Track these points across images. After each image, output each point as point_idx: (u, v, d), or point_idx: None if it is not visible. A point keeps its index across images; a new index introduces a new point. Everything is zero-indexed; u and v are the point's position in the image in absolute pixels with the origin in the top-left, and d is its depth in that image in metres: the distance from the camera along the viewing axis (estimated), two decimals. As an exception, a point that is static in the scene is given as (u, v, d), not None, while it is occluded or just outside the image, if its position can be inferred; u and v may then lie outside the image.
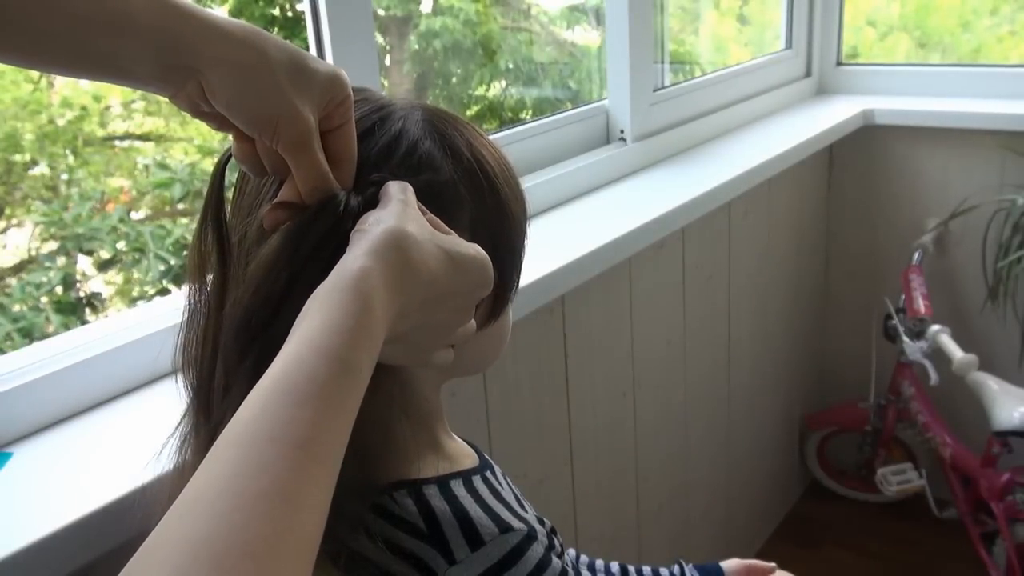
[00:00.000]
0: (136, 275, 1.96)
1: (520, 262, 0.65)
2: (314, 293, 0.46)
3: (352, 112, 0.55)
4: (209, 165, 2.08)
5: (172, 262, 1.89)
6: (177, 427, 0.61)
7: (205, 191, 0.58)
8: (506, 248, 0.62)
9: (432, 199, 0.55)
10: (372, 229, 0.48)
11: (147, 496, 0.70)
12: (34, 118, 1.92)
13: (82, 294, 1.96)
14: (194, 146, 2.14)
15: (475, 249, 0.53)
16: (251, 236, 0.56)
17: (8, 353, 0.86)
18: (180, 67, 0.48)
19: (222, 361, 0.54)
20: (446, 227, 0.54)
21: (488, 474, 0.64)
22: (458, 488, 0.59)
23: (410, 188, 0.53)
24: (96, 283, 2.02)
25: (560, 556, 0.65)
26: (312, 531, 0.38)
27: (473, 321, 0.57)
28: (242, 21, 0.51)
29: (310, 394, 0.41)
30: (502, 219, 0.62)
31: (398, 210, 0.50)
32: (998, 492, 1.80)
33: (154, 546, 0.36)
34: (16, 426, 0.80)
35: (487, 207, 0.60)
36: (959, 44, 2.51)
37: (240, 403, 0.51)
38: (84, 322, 1.85)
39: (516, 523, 0.58)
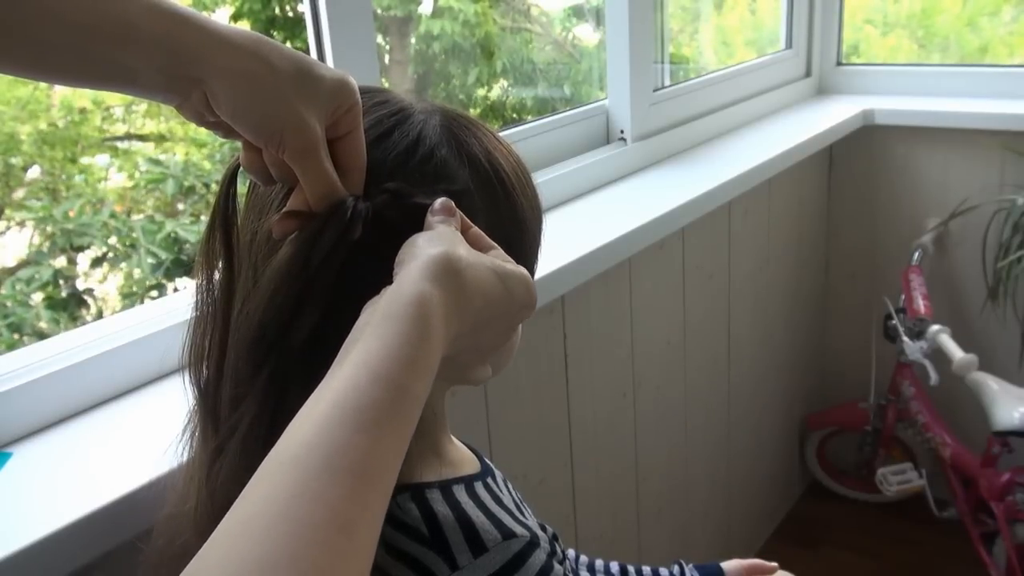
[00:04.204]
0: (127, 269, 1.96)
1: (533, 272, 0.65)
2: (368, 315, 0.45)
3: (360, 119, 0.54)
4: (202, 159, 2.08)
5: (163, 257, 1.89)
6: (184, 429, 0.61)
7: (212, 195, 0.58)
8: (519, 258, 0.61)
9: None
10: (424, 252, 0.48)
11: (149, 495, 0.70)
12: (33, 119, 1.92)
13: (77, 288, 1.96)
14: (193, 145, 2.14)
15: (519, 268, 0.53)
16: (261, 239, 0.56)
17: (8, 353, 0.86)
18: (185, 77, 0.48)
19: (233, 372, 0.54)
20: (489, 240, 0.54)
21: (490, 480, 0.64)
22: (460, 493, 0.59)
23: (455, 208, 0.53)
24: (87, 279, 2.02)
25: (562, 563, 0.65)
26: (366, 557, 0.38)
27: (516, 337, 0.58)
28: (247, 30, 0.51)
29: (368, 421, 0.40)
30: (516, 229, 0.61)
31: (448, 233, 0.50)
32: (998, 492, 1.80)
33: (208, 564, 0.36)
34: (16, 426, 0.80)
35: (502, 217, 0.60)
36: (965, 43, 2.51)
37: (254, 414, 0.52)
38: (75, 318, 1.85)
39: (519, 529, 0.58)
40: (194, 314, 0.59)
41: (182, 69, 0.48)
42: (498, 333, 0.53)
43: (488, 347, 0.54)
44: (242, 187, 0.59)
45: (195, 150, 2.11)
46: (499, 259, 0.53)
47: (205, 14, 0.50)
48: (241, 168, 0.56)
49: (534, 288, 0.54)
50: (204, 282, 0.58)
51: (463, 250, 0.49)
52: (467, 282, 0.48)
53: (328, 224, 0.51)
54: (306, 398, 0.45)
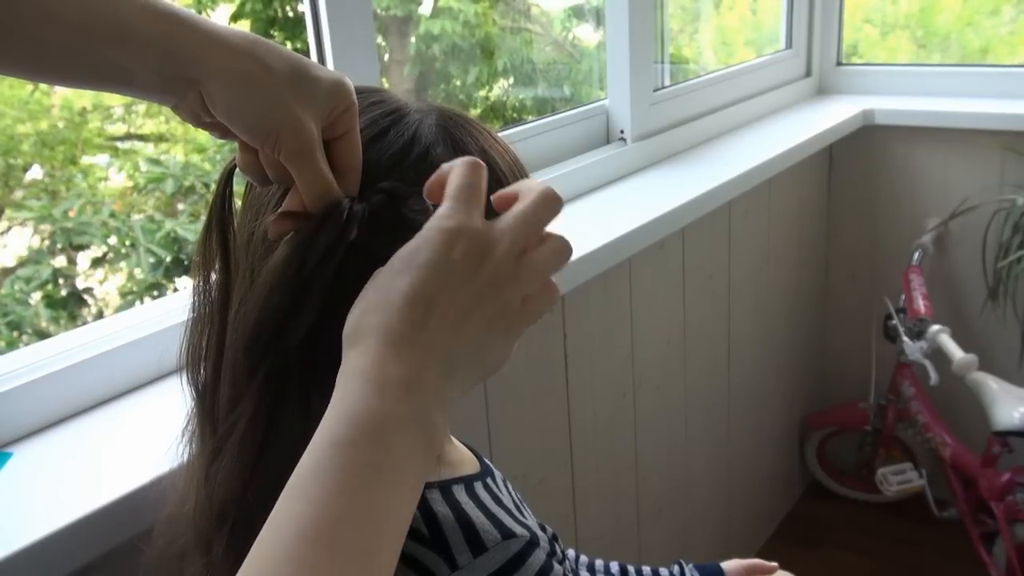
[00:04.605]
0: (127, 268, 1.96)
1: None
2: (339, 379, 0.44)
3: (357, 120, 0.54)
4: (202, 161, 2.09)
5: (162, 255, 1.89)
6: (184, 429, 0.61)
7: (211, 195, 0.58)
8: None
9: None
10: (346, 339, 0.46)
11: (149, 495, 0.70)
12: (34, 120, 1.92)
13: (76, 287, 1.97)
14: (192, 146, 2.15)
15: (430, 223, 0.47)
16: (258, 239, 0.56)
17: (8, 353, 0.86)
18: (180, 78, 0.48)
19: (230, 372, 0.54)
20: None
21: (489, 480, 0.64)
22: (460, 494, 0.59)
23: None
24: (86, 278, 2.02)
25: (561, 563, 0.65)
26: None
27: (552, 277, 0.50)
28: (244, 31, 0.51)
29: (314, 488, 0.41)
30: None
31: (364, 298, 0.47)
32: (998, 492, 1.80)
33: None
34: (16, 426, 0.80)
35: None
36: (966, 43, 2.51)
37: (251, 415, 0.51)
38: (74, 317, 1.86)
39: (519, 529, 0.58)
40: (191, 315, 0.59)
41: (178, 70, 0.48)
42: (479, 293, 0.46)
43: (495, 304, 0.47)
44: (240, 187, 0.59)
45: (196, 154, 2.11)
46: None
47: (202, 15, 0.50)
48: (237, 168, 0.56)
49: (448, 223, 0.46)
50: (201, 283, 0.58)
51: (372, 293, 0.46)
52: (393, 313, 0.45)
53: (324, 225, 0.51)
54: (302, 399, 0.45)
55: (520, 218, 0.48)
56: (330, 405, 0.43)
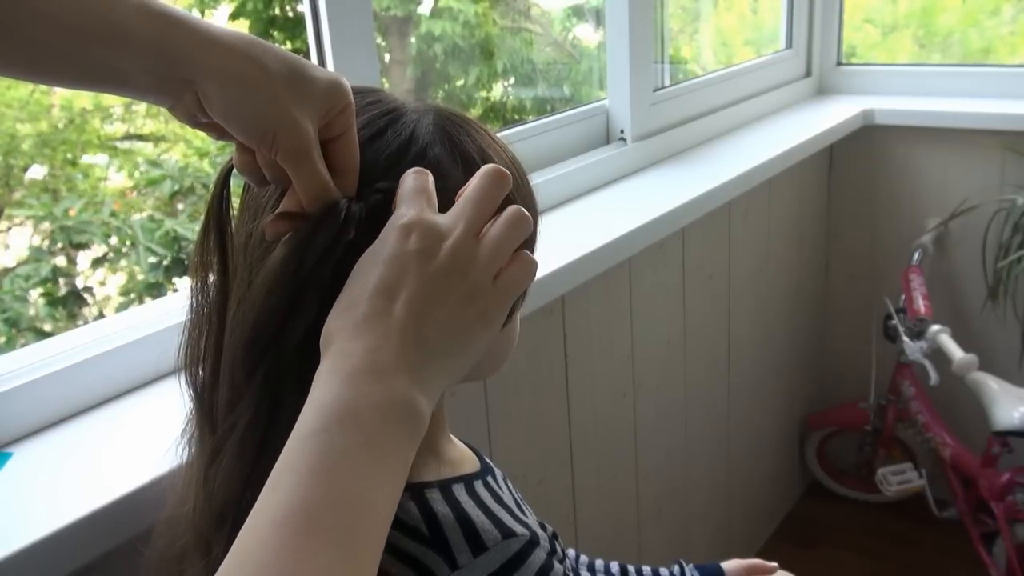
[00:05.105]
0: (127, 267, 1.97)
1: None
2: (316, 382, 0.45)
3: (354, 120, 0.54)
4: (203, 164, 2.09)
5: (162, 254, 1.90)
6: (183, 430, 0.61)
7: (209, 195, 0.58)
8: None
9: (441, 207, 0.53)
10: (332, 352, 0.47)
11: (149, 495, 0.70)
12: (33, 121, 1.92)
13: (76, 286, 1.97)
14: (192, 148, 2.15)
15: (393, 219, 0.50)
16: (256, 240, 0.55)
17: (8, 353, 0.86)
18: (176, 79, 0.48)
19: (229, 374, 0.54)
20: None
21: (489, 479, 0.64)
22: (460, 493, 0.59)
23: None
24: (86, 278, 2.03)
25: (562, 561, 0.65)
26: None
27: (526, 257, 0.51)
28: (241, 31, 0.51)
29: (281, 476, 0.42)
30: None
31: (335, 304, 0.49)
32: (998, 492, 1.80)
33: None
34: (16, 426, 0.80)
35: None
36: (967, 43, 2.51)
37: (250, 416, 0.52)
38: (73, 315, 1.86)
39: (519, 528, 0.58)
40: (189, 316, 0.59)
41: (174, 71, 0.47)
42: (442, 277, 0.48)
43: (461, 297, 0.48)
44: (237, 187, 0.58)
45: (197, 157, 2.11)
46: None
47: (197, 15, 0.50)
48: (234, 169, 0.56)
49: (400, 220, 0.49)
50: (199, 284, 0.58)
51: (341, 298, 0.48)
52: (357, 310, 0.46)
53: (321, 225, 0.51)
54: (300, 400, 0.45)
55: (469, 200, 0.50)
56: (304, 404, 0.44)
